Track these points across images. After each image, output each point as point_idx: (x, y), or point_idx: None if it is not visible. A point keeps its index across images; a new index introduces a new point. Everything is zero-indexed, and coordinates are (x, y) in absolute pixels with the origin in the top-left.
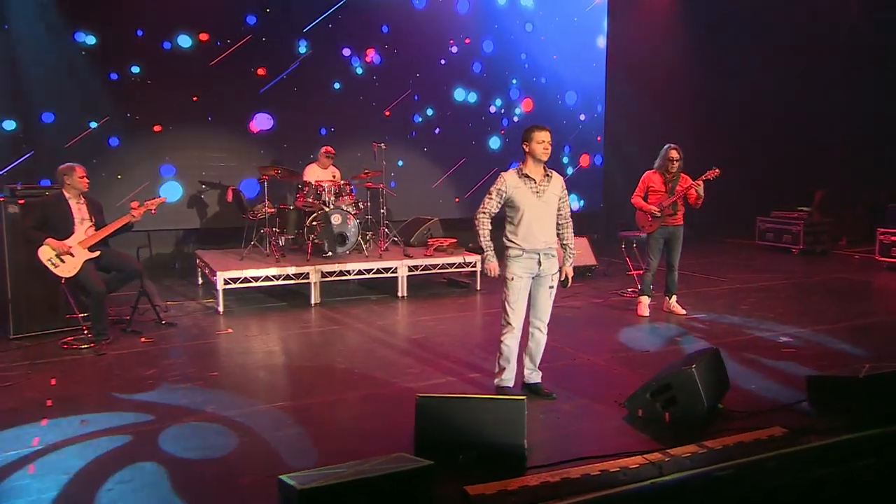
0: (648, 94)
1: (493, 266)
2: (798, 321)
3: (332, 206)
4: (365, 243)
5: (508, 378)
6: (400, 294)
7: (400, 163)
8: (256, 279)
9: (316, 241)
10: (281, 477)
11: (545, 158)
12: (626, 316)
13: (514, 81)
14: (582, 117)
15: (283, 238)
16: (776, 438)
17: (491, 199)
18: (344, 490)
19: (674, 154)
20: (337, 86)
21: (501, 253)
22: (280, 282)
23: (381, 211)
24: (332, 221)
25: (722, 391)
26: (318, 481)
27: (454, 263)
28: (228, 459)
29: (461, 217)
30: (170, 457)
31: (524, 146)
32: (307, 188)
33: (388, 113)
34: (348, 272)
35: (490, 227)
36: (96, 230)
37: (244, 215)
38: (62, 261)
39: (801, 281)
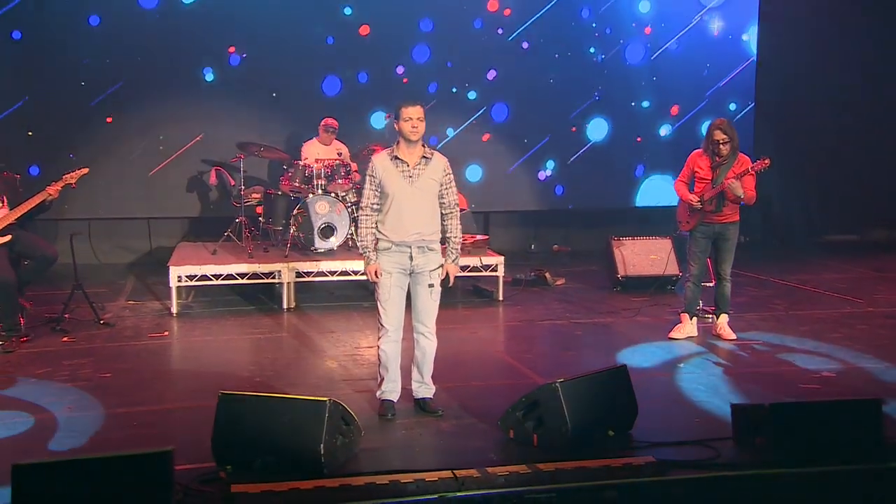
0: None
1: (371, 269)
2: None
3: (320, 192)
4: None
5: (389, 389)
6: None
7: (450, 131)
8: (217, 277)
9: (297, 233)
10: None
11: (414, 138)
12: (649, 335)
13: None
14: None
15: (272, 230)
16: (634, 466)
17: (367, 188)
18: (65, 468)
19: (718, 135)
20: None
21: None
22: (247, 280)
23: None
24: (316, 210)
25: (616, 416)
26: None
27: (467, 266)
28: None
29: (537, 209)
30: None
31: (395, 125)
32: (292, 170)
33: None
34: (330, 272)
35: (369, 226)
36: (9, 211)
37: (234, 202)
38: None
39: None
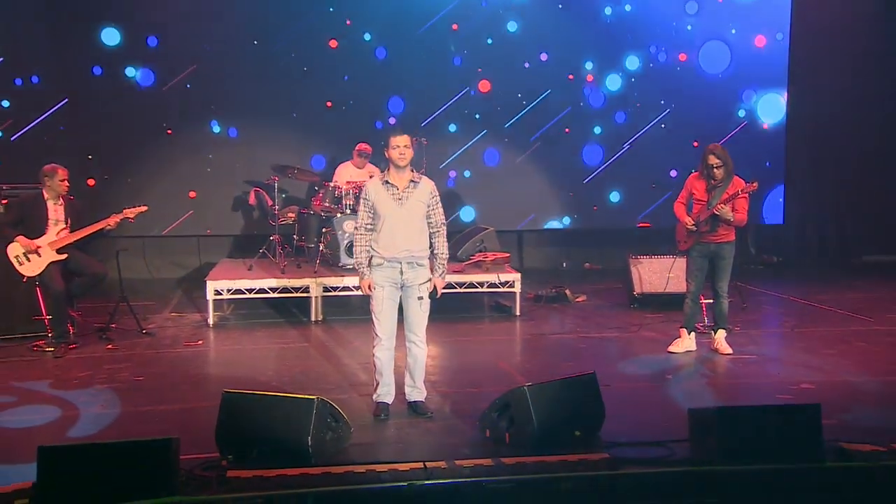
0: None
1: (365, 283)
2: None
3: (348, 211)
4: None
5: (384, 393)
6: None
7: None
8: (251, 291)
9: (326, 250)
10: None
11: (402, 164)
12: (651, 348)
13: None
14: None
15: (305, 246)
16: (590, 461)
17: (361, 210)
18: (86, 451)
19: (712, 159)
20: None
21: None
22: (278, 294)
23: None
24: (344, 228)
25: (583, 419)
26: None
27: (484, 283)
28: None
29: (573, 228)
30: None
31: (384, 152)
32: (323, 191)
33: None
34: (354, 287)
35: (364, 244)
36: (70, 233)
37: (271, 221)
38: (28, 259)
39: None
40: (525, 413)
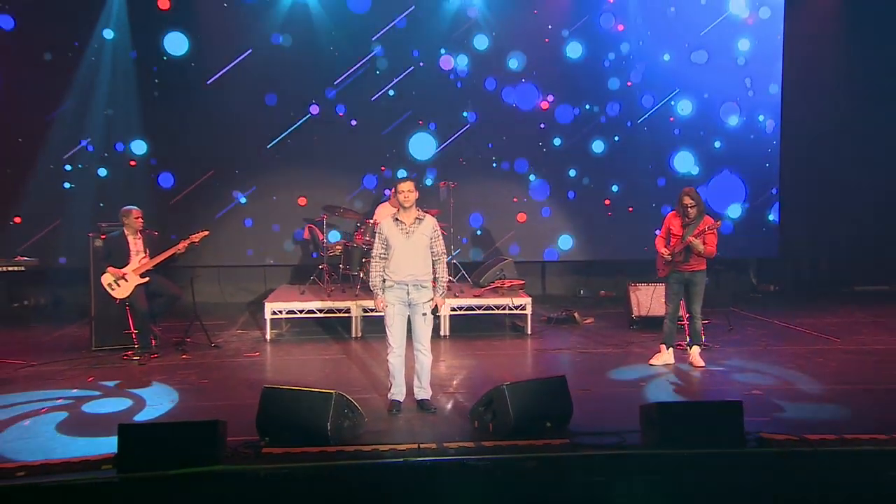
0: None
1: (379, 302)
2: (829, 381)
3: None
4: None
5: (396, 392)
6: (442, 333)
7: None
8: (301, 311)
9: (365, 277)
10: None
11: (407, 205)
12: (636, 361)
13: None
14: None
15: (350, 274)
16: (553, 445)
17: (376, 242)
18: (159, 428)
19: (686, 200)
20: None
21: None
22: (324, 315)
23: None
24: None
25: (553, 414)
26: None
27: (500, 305)
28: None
29: (584, 259)
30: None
31: (393, 195)
32: (363, 227)
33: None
34: None
35: (378, 270)
36: (149, 259)
37: (320, 252)
38: (118, 285)
39: None
40: (504, 407)
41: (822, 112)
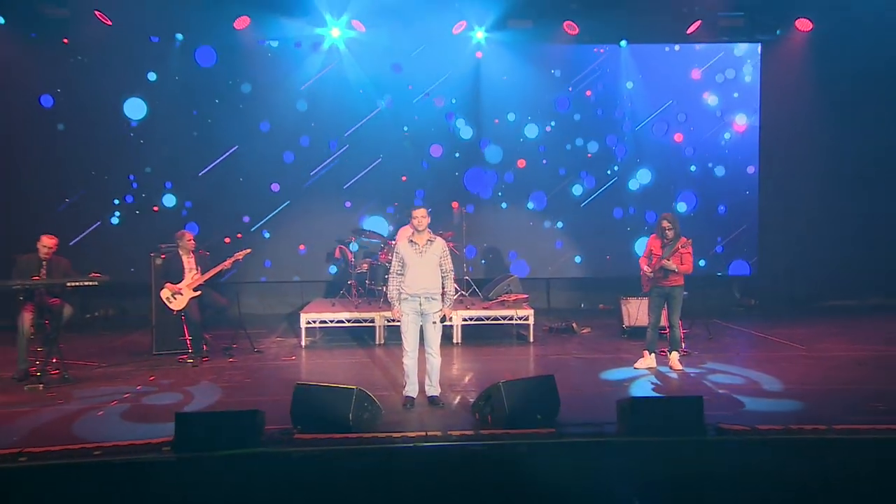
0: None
1: (396, 312)
2: (787, 381)
3: None
4: None
5: (410, 389)
6: (455, 341)
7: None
8: (331, 321)
9: (386, 291)
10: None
11: (420, 228)
12: (622, 365)
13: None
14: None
15: (375, 289)
16: (541, 434)
17: (394, 261)
18: (209, 416)
19: (664, 224)
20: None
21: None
22: (352, 324)
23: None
24: None
25: (543, 407)
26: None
27: (506, 316)
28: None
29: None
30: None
31: (410, 220)
32: (386, 248)
33: None
34: None
35: (396, 285)
36: (201, 275)
37: (350, 270)
38: (175, 298)
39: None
40: (500, 401)
41: (797, 151)
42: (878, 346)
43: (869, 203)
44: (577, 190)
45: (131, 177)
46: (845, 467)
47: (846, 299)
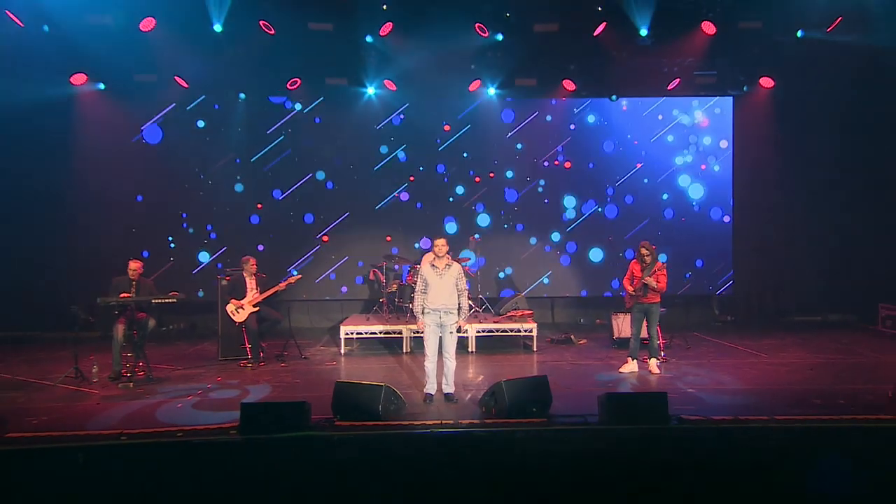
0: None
1: (420, 323)
2: (745, 383)
3: None
4: None
5: (429, 387)
6: (470, 350)
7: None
8: (366, 332)
9: (412, 307)
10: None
11: (441, 254)
12: (609, 370)
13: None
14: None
15: (403, 305)
16: (534, 423)
17: (419, 281)
18: (267, 406)
19: (643, 250)
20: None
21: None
22: (384, 335)
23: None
24: None
25: (537, 402)
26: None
27: (514, 329)
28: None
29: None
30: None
31: (432, 247)
32: (413, 271)
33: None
34: None
35: (419, 301)
36: (260, 294)
37: (382, 290)
38: (237, 312)
39: (855, 361)
40: (502, 396)
41: (769, 189)
42: (829, 355)
43: (831, 236)
44: (569, 214)
45: (209, 227)
46: (781, 449)
47: (810, 315)
